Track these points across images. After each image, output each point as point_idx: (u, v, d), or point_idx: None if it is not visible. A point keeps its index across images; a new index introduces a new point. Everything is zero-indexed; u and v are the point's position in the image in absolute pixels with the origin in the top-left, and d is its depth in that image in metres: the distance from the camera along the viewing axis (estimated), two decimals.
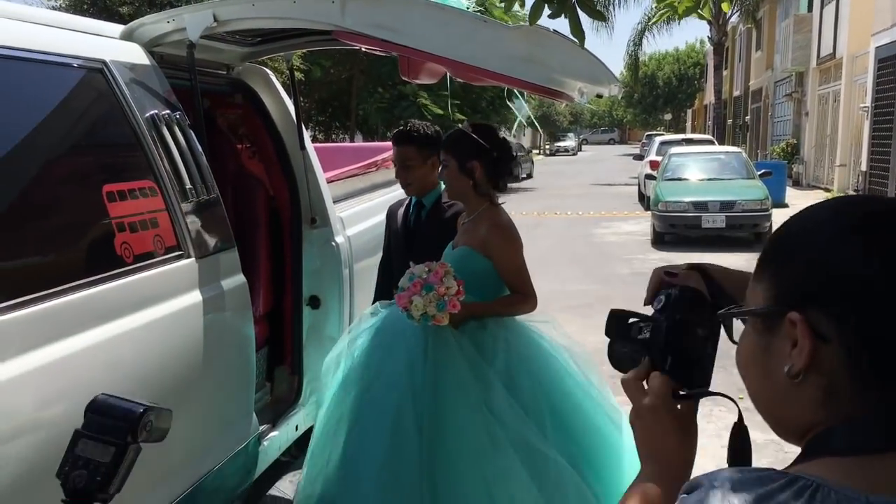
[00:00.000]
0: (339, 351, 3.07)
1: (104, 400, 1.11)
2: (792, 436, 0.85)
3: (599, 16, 2.46)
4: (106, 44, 2.70)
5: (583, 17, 2.77)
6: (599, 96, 3.24)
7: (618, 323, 1.14)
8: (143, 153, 2.57)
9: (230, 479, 2.89)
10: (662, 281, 1.17)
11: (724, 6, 5.94)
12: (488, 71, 2.84)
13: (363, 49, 3.41)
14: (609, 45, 58.03)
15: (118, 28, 2.94)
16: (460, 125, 3.11)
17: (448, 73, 3.32)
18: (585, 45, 2.67)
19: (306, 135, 3.84)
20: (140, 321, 2.30)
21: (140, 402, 1.11)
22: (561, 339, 3.01)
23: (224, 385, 2.82)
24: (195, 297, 2.61)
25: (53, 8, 13.07)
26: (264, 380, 3.72)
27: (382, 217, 4.16)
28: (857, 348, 0.77)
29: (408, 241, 3.46)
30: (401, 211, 3.59)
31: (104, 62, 2.55)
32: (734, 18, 30.46)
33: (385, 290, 3.62)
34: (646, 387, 1.04)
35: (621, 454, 2.77)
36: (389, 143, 6.51)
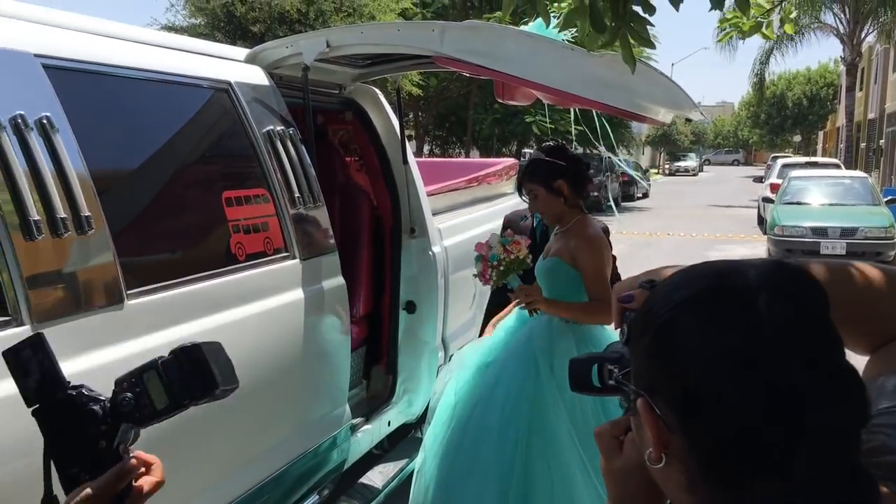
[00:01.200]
0: (456, 363, 3.37)
1: (203, 356, 0.96)
2: None
3: (649, 44, 2.64)
4: (232, 67, 3.05)
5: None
6: (689, 120, 3.39)
7: (580, 372, 0.96)
8: (258, 164, 2.90)
9: (322, 464, 3.17)
10: (620, 308, 0.98)
11: (787, 28, 5.78)
12: (575, 95, 3.03)
13: (466, 74, 3.66)
14: (731, 64, 56.33)
15: (243, 52, 3.30)
16: (530, 153, 3.36)
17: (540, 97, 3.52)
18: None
19: (409, 150, 4.11)
20: (247, 312, 2.61)
21: (222, 384, 0.97)
22: None
23: (319, 375, 3.10)
24: (298, 294, 2.90)
25: (192, 25, 14.02)
26: (361, 377, 4.00)
27: (481, 230, 4.39)
28: (699, 442, 0.72)
29: (532, 253, 3.67)
30: (524, 223, 3.81)
31: (230, 83, 2.89)
32: (870, 38, 29.11)
33: (497, 297, 3.87)
34: (622, 442, 0.91)
35: None
36: (496, 160, 6.73)
